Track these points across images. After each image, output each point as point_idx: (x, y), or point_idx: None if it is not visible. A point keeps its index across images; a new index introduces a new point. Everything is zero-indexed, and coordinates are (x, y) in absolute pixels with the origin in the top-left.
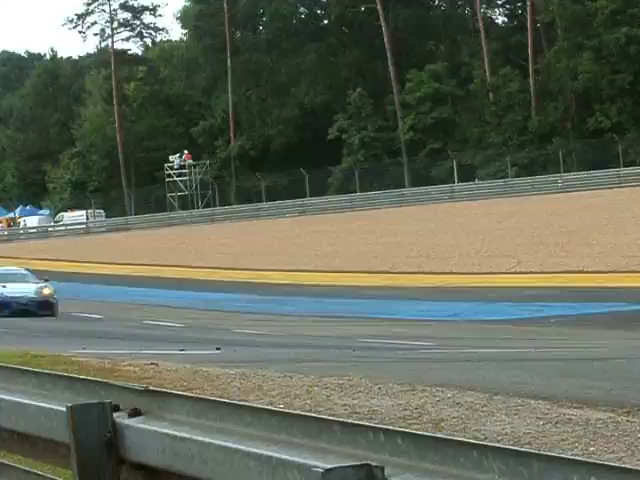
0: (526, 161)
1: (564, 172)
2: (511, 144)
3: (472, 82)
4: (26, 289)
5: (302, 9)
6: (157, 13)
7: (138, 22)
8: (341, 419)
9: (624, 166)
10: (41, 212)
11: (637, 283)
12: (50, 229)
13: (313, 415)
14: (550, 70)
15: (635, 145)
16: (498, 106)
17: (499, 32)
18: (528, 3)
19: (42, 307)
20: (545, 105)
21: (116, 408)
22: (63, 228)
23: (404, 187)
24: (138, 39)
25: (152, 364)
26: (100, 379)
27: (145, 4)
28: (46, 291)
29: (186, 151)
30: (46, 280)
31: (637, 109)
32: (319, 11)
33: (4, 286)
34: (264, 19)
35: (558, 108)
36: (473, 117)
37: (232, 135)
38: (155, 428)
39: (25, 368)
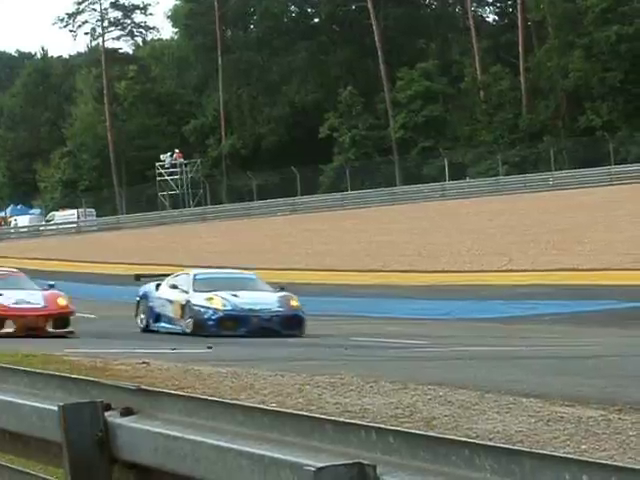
0: (517, 159)
1: (555, 170)
2: (502, 142)
3: (463, 80)
4: (266, 299)
5: (293, 7)
6: (148, 12)
7: (129, 21)
8: (333, 418)
9: (615, 164)
10: (32, 211)
11: (630, 281)
12: (41, 228)
13: (305, 414)
14: (541, 68)
15: (626, 143)
16: (489, 104)
17: (490, 30)
18: (518, 1)
19: (289, 324)
20: (536, 103)
21: (108, 407)
22: (54, 227)
23: (395, 185)
24: (129, 38)
25: (144, 363)
26: (92, 378)
27: (136, 3)
28: (294, 302)
29: (177, 150)
30: (282, 288)
31: (628, 107)
32: (310, 9)
33: (235, 295)
34: (255, 17)
35: (549, 106)
36: (464, 115)
37: (223, 134)
38: (147, 427)
39: (16, 367)
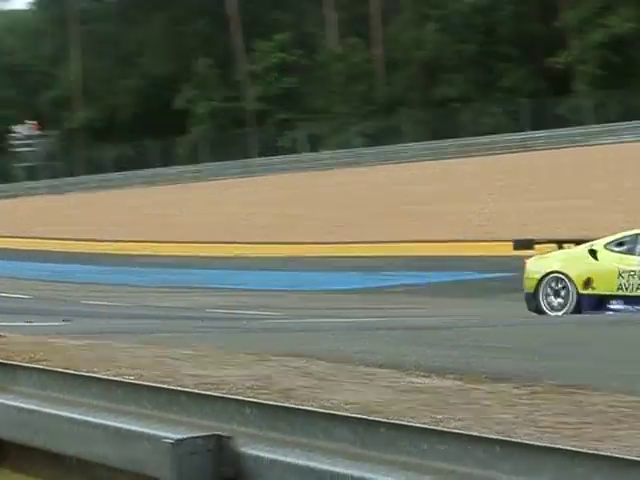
0: (372, 131)
1: (410, 142)
2: (357, 114)
3: (318, 52)
4: None
5: None
6: None
7: None
8: (190, 389)
9: (470, 136)
10: None
11: (480, 252)
12: None
13: (162, 386)
14: (396, 40)
15: (481, 114)
16: (344, 76)
17: (344, 2)
18: None
19: None
20: (391, 75)
21: None
22: None
23: (252, 157)
24: None
25: None
26: None
27: None
28: None
29: (32, 121)
30: None
31: (482, 79)
32: None
33: None
34: None
35: (404, 78)
36: (320, 87)
37: (78, 106)
38: (1, 400)
39: None
